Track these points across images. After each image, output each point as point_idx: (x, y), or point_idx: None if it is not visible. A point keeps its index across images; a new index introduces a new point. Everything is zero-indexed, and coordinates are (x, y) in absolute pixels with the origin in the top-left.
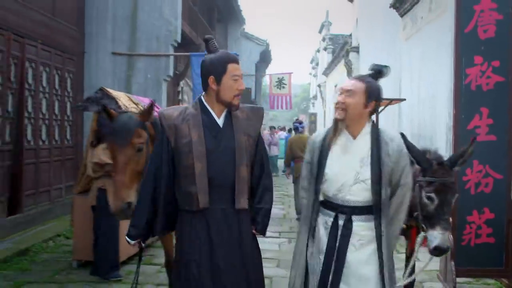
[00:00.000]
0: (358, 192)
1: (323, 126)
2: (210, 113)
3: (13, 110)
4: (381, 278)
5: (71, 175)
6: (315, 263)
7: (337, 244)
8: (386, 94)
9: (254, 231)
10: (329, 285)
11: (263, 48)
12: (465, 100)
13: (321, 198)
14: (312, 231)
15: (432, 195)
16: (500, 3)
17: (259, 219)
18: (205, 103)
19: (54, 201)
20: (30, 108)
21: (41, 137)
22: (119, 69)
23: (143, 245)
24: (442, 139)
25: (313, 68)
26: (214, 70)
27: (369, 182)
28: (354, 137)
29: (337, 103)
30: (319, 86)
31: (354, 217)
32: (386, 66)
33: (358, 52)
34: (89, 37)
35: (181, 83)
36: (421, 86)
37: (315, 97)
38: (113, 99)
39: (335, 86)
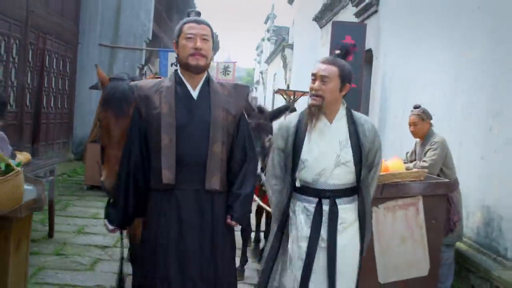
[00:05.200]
0: (340, 175)
1: None
2: (185, 84)
3: (35, 85)
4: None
5: (65, 134)
6: (294, 250)
7: (322, 230)
8: (303, 87)
9: (229, 220)
10: (321, 272)
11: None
12: None
13: (297, 184)
14: (286, 219)
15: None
16: (357, 40)
17: (236, 206)
18: (180, 74)
19: (56, 151)
20: (46, 84)
21: (50, 105)
22: (104, 57)
23: (123, 232)
24: None
25: (258, 55)
26: (175, 35)
27: (350, 164)
28: (331, 121)
29: (312, 90)
30: (261, 72)
31: (337, 200)
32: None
33: (292, 49)
34: (82, 32)
35: (145, 68)
36: None
37: (258, 82)
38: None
39: (274, 74)
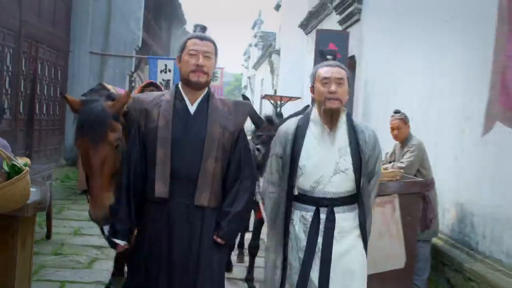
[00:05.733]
0: (339, 183)
1: None
2: (184, 99)
3: (28, 92)
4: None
5: (57, 140)
6: (294, 260)
7: (319, 239)
8: (290, 92)
9: (215, 237)
10: (317, 281)
11: None
12: None
13: (295, 192)
14: (283, 227)
15: (260, 146)
16: (340, 48)
17: (223, 223)
18: (180, 89)
19: (49, 157)
20: (39, 91)
21: (42, 112)
22: (94, 65)
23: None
24: None
25: (245, 60)
26: (178, 50)
27: (349, 171)
28: (330, 127)
29: (331, 93)
30: (249, 78)
31: (335, 209)
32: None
33: (279, 54)
34: (73, 40)
35: (134, 74)
36: (307, 89)
37: (245, 88)
38: (109, 90)
39: (262, 79)
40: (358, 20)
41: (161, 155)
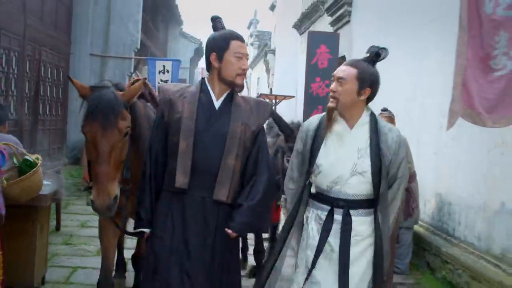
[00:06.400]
0: (356, 185)
1: None
2: (209, 93)
3: (32, 93)
4: (378, 271)
5: (60, 139)
6: (301, 258)
7: (333, 240)
8: (284, 91)
9: (226, 229)
10: (329, 285)
11: (196, 46)
12: (310, 101)
13: (313, 190)
14: (299, 224)
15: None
16: (331, 49)
17: (235, 215)
18: (207, 82)
19: (52, 156)
20: (42, 92)
21: (46, 112)
22: (95, 66)
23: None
24: None
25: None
26: (216, 47)
27: (367, 174)
28: (351, 126)
29: (331, 91)
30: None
31: (352, 211)
32: (384, 48)
33: (274, 54)
34: (74, 42)
35: (133, 75)
36: (301, 89)
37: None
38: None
39: (258, 78)
40: (348, 22)
41: (184, 146)
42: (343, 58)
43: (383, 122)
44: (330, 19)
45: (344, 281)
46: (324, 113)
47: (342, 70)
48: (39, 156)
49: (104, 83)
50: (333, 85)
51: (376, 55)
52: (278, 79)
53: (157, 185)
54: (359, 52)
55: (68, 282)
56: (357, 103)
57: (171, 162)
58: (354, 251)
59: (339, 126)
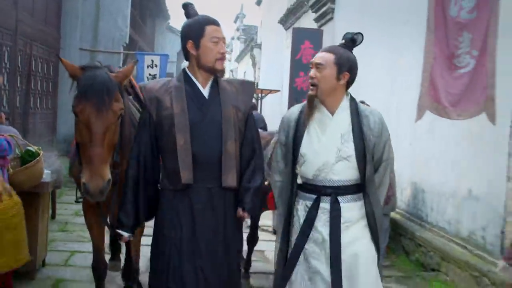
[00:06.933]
0: (342, 171)
1: None
2: (194, 83)
3: (24, 87)
4: (376, 249)
5: (50, 132)
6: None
7: (324, 229)
8: (270, 85)
9: (241, 212)
10: (325, 274)
11: None
12: (294, 95)
13: (299, 181)
14: (290, 216)
15: None
16: (315, 44)
17: (247, 198)
18: (188, 73)
19: (43, 148)
20: (33, 86)
21: (37, 105)
22: (84, 61)
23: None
24: None
25: (228, 53)
26: (192, 34)
27: (352, 158)
28: (332, 112)
29: (310, 78)
30: (231, 71)
31: (340, 198)
32: (358, 33)
33: (260, 48)
34: (64, 37)
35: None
36: (286, 83)
37: None
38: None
39: (244, 72)
40: (331, 18)
41: (181, 142)
42: None
43: (363, 106)
44: (314, 15)
45: (336, 268)
46: (304, 103)
47: (320, 57)
48: (40, 147)
49: (95, 63)
50: (312, 72)
51: (351, 40)
52: (264, 73)
53: (146, 187)
54: None
55: (67, 265)
56: (337, 89)
57: (168, 161)
58: (346, 237)
59: (320, 113)
